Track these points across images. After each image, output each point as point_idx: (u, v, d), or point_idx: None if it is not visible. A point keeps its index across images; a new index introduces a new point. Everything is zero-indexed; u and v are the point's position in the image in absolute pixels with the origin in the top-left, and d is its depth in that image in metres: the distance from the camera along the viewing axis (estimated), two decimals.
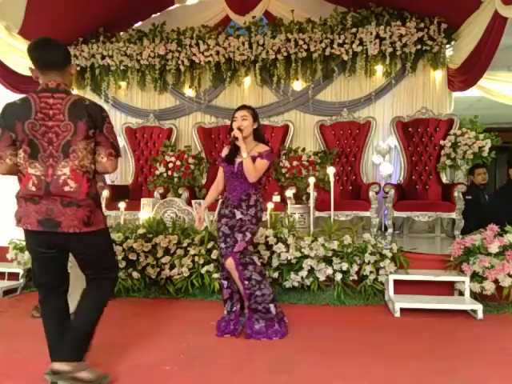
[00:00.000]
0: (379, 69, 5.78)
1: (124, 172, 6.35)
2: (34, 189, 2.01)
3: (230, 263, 2.77)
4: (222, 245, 2.83)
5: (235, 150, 2.88)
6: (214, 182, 3.12)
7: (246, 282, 2.76)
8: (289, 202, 4.84)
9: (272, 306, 2.82)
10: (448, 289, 3.59)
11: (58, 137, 2.01)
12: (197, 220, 3.06)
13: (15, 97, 2.18)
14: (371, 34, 5.51)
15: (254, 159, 2.79)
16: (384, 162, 5.58)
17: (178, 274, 3.72)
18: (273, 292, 2.87)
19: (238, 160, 2.86)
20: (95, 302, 2.24)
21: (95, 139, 2.08)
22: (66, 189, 2.03)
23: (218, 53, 5.86)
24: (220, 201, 4.30)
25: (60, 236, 2.05)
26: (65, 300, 2.27)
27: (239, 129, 2.80)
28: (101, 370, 2.20)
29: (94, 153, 2.10)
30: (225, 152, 2.98)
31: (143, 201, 4.80)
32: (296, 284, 3.64)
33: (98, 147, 2.10)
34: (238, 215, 2.81)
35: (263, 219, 3.02)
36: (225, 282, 2.91)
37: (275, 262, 3.63)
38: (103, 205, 2.57)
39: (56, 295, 2.22)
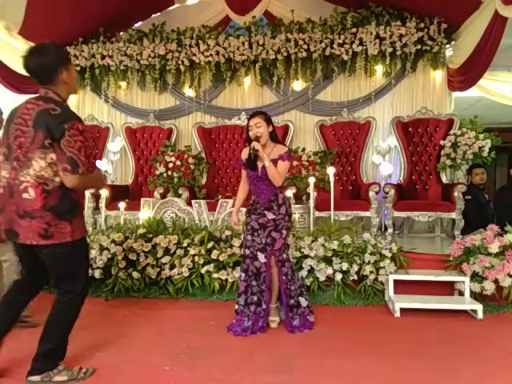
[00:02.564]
0: (379, 69, 5.77)
1: (124, 172, 6.35)
2: (1, 190, 2.09)
3: (272, 260, 2.92)
4: (249, 237, 2.94)
5: (255, 157, 2.91)
6: (241, 184, 3.21)
7: (284, 278, 2.93)
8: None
9: (302, 299, 3.00)
10: (448, 289, 3.59)
11: (26, 142, 2.04)
12: (234, 225, 3.19)
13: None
14: (371, 33, 5.51)
15: (275, 162, 2.88)
16: (384, 162, 5.57)
17: (178, 274, 3.73)
18: (301, 285, 3.09)
19: (260, 164, 2.91)
20: (51, 315, 2.23)
21: (54, 151, 2.03)
22: (25, 195, 2.03)
23: (217, 53, 5.86)
24: (219, 201, 4.32)
25: (23, 245, 2.09)
26: (23, 300, 2.33)
27: (257, 137, 2.87)
28: (77, 367, 2.28)
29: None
30: (245, 155, 3.01)
31: (143, 201, 4.80)
32: None
33: (57, 161, 2.04)
34: (270, 216, 2.92)
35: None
36: (243, 274, 2.97)
37: None
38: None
39: (23, 283, 2.32)
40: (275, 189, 2.95)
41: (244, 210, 3.15)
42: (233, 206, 3.46)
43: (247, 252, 2.96)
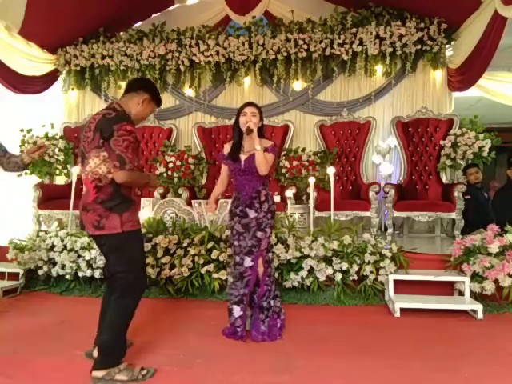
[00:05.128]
0: (379, 69, 5.78)
1: None
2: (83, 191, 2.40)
3: (259, 261, 2.79)
4: (236, 243, 2.83)
5: (238, 147, 2.87)
6: (220, 178, 3.08)
7: (267, 279, 2.83)
8: (289, 201, 4.85)
9: (272, 301, 2.86)
10: (448, 289, 3.59)
11: (88, 145, 2.28)
12: (211, 212, 3.06)
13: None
14: (371, 33, 5.51)
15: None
16: (384, 162, 5.58)
17: (178, 274, 3.72)
18: (276, 289, 2.95)
19: (243, 157, 2.85)
20: (109, 308, 2.35)
21: (106, 150, 2.22)
22: (83, 191, 2.40)
23: (217, 53, 5.86)
24: (220, 201, 4.32)
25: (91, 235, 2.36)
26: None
27: (249, 128, 2.78)
28: (139, 367, 2.29)
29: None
30: (227, 149, 2.96)
31: (143, 201, 4.79)
32: (296, 284, 3.64)
33: (108, 159, 2.23)
34: (252, 214, 2.81)
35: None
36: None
37: (275, 262, 3.63)
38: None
39: (108, 284, 2.53)
40: (257, 185, 2.84)
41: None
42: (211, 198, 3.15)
43: (237, 259, 2.83)
